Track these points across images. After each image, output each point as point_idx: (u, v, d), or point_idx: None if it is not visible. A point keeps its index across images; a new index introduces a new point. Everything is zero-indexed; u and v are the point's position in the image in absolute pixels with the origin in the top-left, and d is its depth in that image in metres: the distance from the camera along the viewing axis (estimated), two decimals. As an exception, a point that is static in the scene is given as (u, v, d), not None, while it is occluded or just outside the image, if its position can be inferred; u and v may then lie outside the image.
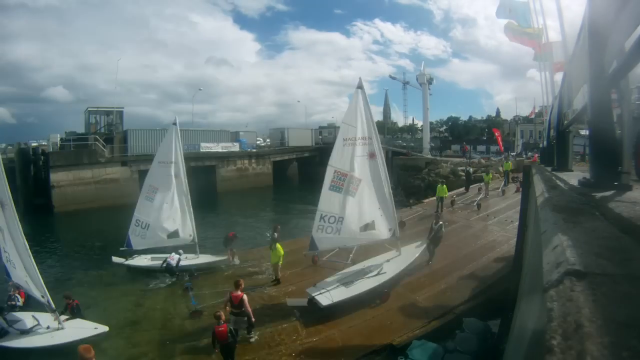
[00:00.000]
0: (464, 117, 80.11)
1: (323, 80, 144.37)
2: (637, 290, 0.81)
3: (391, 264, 9.02)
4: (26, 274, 7.13)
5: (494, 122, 68.66)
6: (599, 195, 1.98)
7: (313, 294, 7.93)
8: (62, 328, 7.17)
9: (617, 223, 1.38)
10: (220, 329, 6.14)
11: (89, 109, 30.82)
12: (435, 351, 6.35)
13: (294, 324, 7.54)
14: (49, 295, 7.14)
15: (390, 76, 67.63)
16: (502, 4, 14.71)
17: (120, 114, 31.36)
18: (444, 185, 16.76)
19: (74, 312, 7.89)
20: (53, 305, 7.22)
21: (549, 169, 5.82)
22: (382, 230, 8.91)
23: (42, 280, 7.13)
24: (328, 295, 7.78)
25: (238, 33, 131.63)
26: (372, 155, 8.67)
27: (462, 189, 20.65)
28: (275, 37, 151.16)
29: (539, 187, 3.55)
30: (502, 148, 34.18)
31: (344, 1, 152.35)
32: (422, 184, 27.84)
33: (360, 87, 8.70)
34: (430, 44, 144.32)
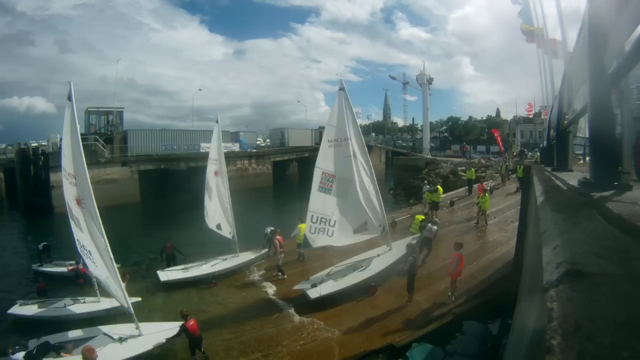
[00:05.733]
0: (464, 118, 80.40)
1: (275, 84, 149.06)
2: (637, 290, 0.81)
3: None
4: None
5: (494, 122, 68.77)
6: (598, 195, 1.98)
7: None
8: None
9: (617, 223, 1.38)
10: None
11: (89, 109, 30.77)
12: (435, 354, 6.34)
13: (294, 325, 7.54)
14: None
15: (390, 76, 67.69)
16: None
17: (120, 114, 31.33)
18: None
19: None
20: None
21: (549, 169, 5.82)
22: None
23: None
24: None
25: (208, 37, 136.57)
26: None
27: (461, 190, 20.55)
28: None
29: (538, 187, 3.56)
30: (502, 148, 34.07)
31: (250, 8, 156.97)
32: (422, 184, 27.82)
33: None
34: (364, 43, 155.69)
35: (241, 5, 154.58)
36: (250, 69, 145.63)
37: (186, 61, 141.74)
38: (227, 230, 11.47)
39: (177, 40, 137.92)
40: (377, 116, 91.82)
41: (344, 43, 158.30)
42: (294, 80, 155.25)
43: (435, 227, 10.18)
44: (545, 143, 9.46)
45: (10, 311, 8.46)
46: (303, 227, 10.25)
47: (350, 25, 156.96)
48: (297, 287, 8.61)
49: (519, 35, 14.67)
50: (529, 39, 14.32)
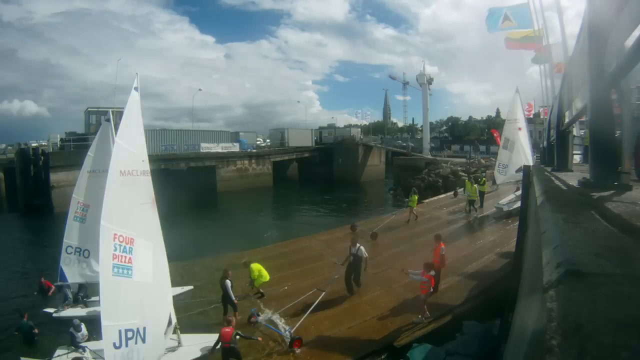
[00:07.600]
0: (464, 118, 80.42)
1: (261, 85, 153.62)
2: (637, 290, 0.80)
3: None
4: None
5: (493, 123, 68.81)
6: (598, 195, 1.98)
7: None
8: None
9: (617, 223, 1.38)
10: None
11: (89, 109, 30.73)
12: (435, 353, 6.34)
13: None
14: None
15: (390, 76, 67.70)
16: (494, 16, 14.58)
17: (120, 114, 31.19)
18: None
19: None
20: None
21: (549, 169, 5.83)
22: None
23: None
24: None
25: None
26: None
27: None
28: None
29: (538, 187, 3.56)
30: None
31: (222, 13, 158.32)
32: (422, 184, 27.88)
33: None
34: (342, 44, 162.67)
35: (212, 10, 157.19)
36: (234, 70, 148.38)
37: (171, 64, 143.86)
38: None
39: (160, 44, 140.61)
40: (372, 116, 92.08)
41: (321, 45, 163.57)
42: (280, 81, 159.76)
43: (362, 248, 8.51)
44: (545, 143, 9.46)
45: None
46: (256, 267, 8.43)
47: (325, 27, 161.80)
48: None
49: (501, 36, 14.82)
50: (514, 45, 14.39)
